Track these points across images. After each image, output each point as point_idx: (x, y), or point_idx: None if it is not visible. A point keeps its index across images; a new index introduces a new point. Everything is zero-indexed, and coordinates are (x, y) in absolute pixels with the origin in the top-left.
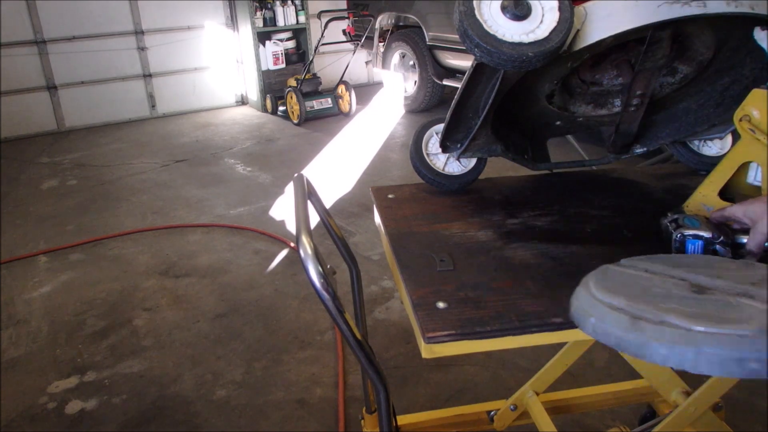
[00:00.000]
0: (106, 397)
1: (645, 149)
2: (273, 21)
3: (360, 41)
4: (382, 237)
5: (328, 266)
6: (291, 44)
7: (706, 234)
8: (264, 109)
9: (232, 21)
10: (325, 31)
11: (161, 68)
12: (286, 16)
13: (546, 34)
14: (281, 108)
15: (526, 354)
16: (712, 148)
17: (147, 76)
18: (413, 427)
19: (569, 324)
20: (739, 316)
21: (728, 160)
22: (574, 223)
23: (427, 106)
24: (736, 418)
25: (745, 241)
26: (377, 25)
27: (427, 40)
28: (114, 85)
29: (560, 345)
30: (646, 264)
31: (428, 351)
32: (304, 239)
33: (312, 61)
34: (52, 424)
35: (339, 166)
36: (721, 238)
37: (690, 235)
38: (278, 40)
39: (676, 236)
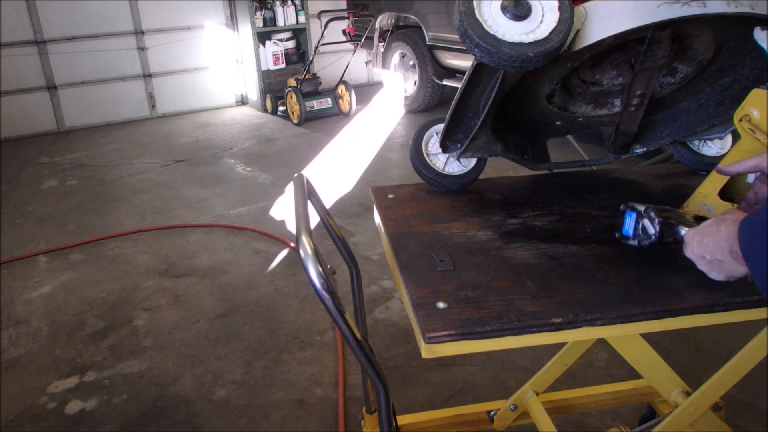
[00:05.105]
0: (106, 397)
1: (645, 149)
2: (273, 21)
3: (360, 41)
4: (382, 237)
5: (328, 266)
6: (291, 44)
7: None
8: (264, 109)
9: (232, 21)
10: (325, 31)
11: (161, 68)
12: (286, 16)
13: (546, 34)
14: (281, 108)
15: (526, 354)
16: (712, 148)
17: (147, 76)
18: (413, 427)
19: (569, 324)
20: None
21: (728, 160)
22: (574, 223)
23: (427, 106)
24: (736, 418)
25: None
26: (377, 25)
27: (427, 40)
28: (114, 85)
29: (560, 345)
30: None
31: (428, 351)
32: (304, 239)
33: (312, 61)
34: (52, 424)
35: (339, 166)
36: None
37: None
38: (278, 40)
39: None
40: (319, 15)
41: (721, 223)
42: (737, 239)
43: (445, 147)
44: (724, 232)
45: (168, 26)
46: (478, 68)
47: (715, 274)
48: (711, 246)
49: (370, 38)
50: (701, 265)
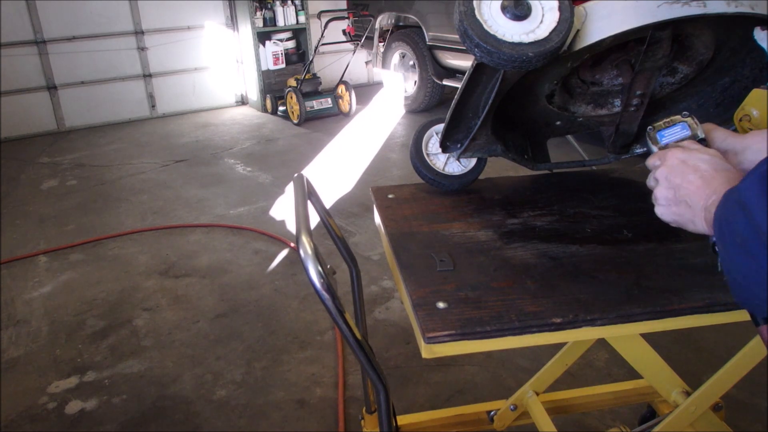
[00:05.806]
0: (106, 397)
1: (645, 149)
2: (273, 21)
3: (360, 41)
4: (382, 237)
5: (328, 266)
6: (291, 44)
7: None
8: (264, 109)
9: (232, 21)
10: (325, 31)
11: (161, 68)
12: (286, 16)
13: (546, 34)
14: (281, 108)
15: (526, 354)
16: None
17: (147, 76)
18: (413, 427)
19: (569, 324)
20: None
21: None
22: (574, 223)
23: (427, 106)
24: (736, 418)
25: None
26: (377, 25)
27: (427, 40)
28: (114, 85)
29: (560, 345)
30: None
31: (428, 351)
32: (304, 239)
33: (312, 61)
34: (52, 424)
35: (339, 166)
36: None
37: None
38: (278, 40)
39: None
40: (319, 15)
41: (729, 156)
42: (718, 207)
43: (445, 147)
44: (720, 179)
45: (168, 26)
46: (478, 68)
47: (663, 210)
48: (695, 186)
49: (370, 38)
50: (661, 193)
